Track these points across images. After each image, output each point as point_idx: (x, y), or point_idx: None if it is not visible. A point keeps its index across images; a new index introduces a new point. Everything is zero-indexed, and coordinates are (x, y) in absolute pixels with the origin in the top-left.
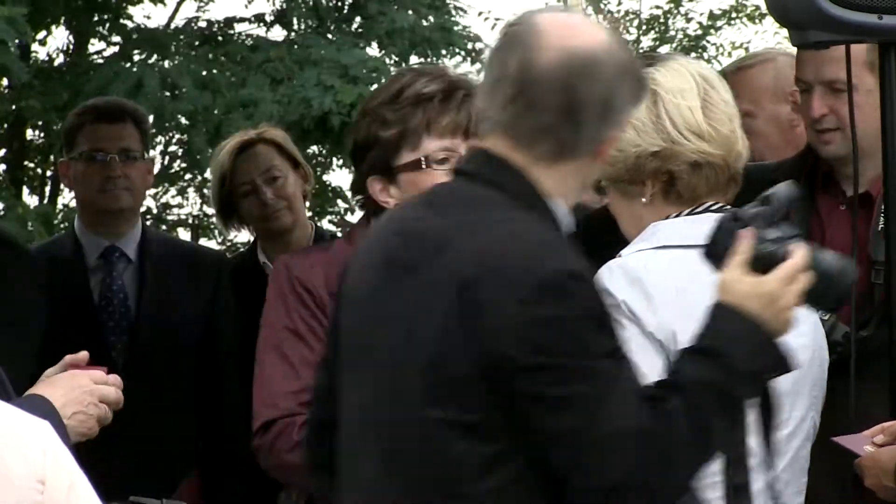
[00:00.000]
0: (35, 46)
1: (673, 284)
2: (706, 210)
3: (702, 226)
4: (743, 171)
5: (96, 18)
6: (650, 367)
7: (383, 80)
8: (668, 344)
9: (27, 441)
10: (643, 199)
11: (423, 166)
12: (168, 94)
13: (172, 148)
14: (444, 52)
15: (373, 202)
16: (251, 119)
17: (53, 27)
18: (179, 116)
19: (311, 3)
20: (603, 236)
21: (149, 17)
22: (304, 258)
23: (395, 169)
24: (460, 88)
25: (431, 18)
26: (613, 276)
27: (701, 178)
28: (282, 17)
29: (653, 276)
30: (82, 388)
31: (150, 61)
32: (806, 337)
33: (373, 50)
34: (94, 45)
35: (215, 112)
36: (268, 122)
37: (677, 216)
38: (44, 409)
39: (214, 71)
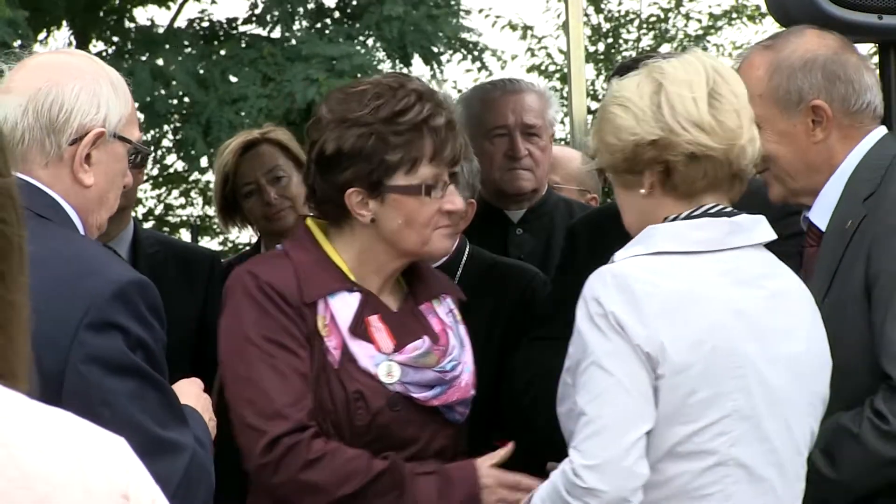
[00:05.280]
0: (37, 47)
1: (664, 293)
2: (704, 213)
3: (699, 231)
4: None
5: (100, 17)
6: (633, 381)
7: (368, 74)
8: (657, 356)
9: (108, 457)
10: (642, 191)
11: (423, 194)
12: (162, 90)
13: (166, 143)
14: (435, 48)
15: (340, 211)
16: (239, 114)
17: (55, 28)
18: (172, 112)
19: (308, 8)
20: (591, 240)
21: (152, 21)
22: (269, 266)
23: (387, 187)
24: (454, 117)
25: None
26: (605, 286)
27: (698, 171)
28: (283, 19)
29: (644, 285)
30: (202, 396)
31: (144, 58)
32: (819, 343)
33: (366, 39)
34: (96, 45)
35: (206, 106)
36: (256, 116)
37: (675, 219)
38: (196, 416)
39: (214, 72)
